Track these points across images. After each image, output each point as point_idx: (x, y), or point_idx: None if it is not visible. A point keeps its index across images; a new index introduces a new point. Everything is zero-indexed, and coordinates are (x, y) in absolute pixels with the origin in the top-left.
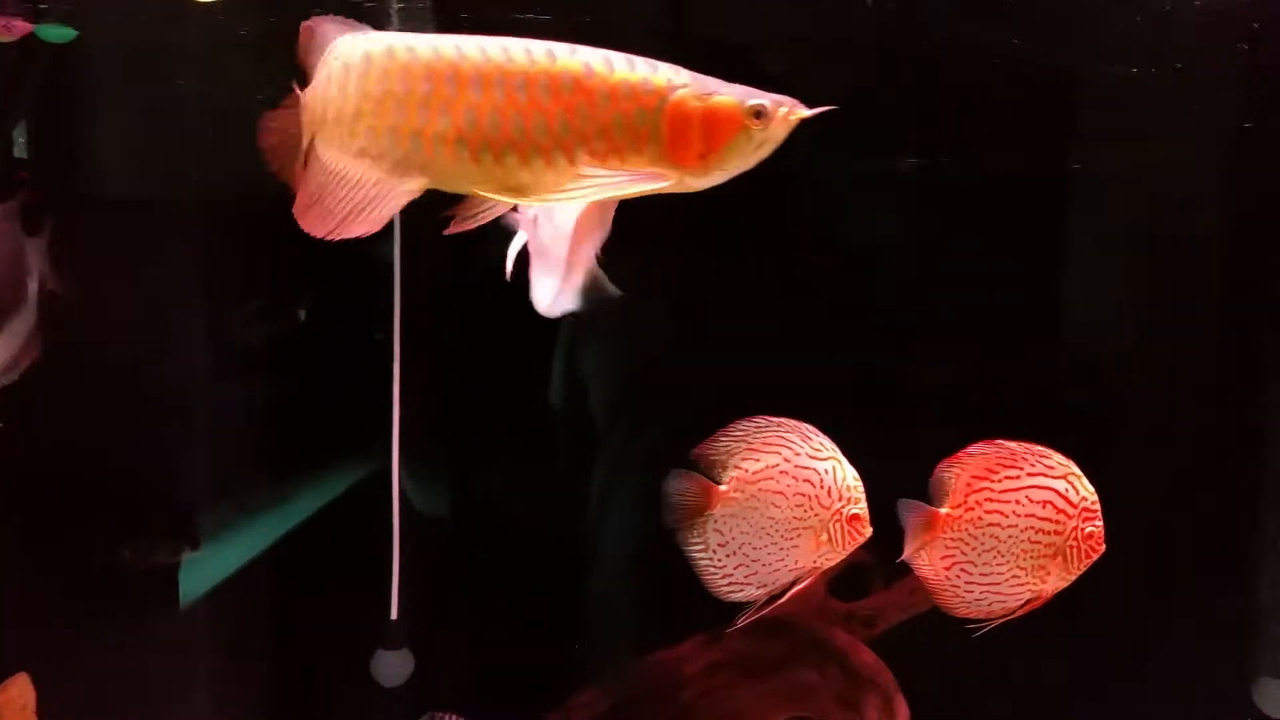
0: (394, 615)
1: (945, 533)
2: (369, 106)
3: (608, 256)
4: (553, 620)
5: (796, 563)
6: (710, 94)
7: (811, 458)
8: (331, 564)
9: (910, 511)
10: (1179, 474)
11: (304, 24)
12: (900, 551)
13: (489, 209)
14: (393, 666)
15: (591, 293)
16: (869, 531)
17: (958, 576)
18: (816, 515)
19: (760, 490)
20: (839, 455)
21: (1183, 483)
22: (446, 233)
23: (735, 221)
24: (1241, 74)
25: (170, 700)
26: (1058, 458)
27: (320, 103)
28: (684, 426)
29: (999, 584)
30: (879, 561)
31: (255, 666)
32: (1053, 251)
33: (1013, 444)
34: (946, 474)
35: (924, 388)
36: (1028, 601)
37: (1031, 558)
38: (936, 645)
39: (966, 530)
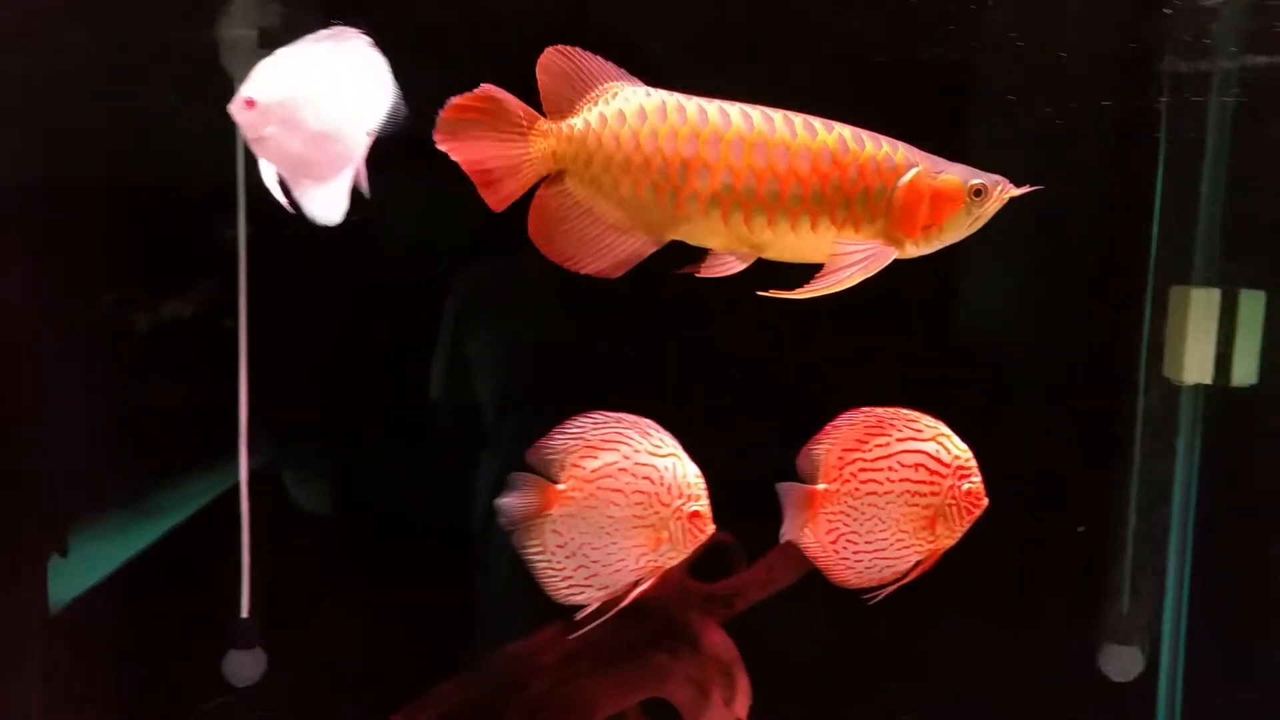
0: (244, 614)
1: (825, 508)
2: (639, 160)
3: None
4: (423, 616)
5: (637, 562)
6: (939, 172)
7: (651, 454)
8: (188, 562)
9: (788, 492)
10: (1029, 452)
11: (554, 49)
12: (765, 531)
13: (728, 264)
14: (244, 666)
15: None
16: (711, 529)
17: (845, 549)
18: (656, 513)
19: (599, 489)
20: (679, 452)
21: (1032, 460)
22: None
23: None
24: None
25: (23, 707)
26: (926, 420)
27: (583, 143)
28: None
29: (885, 550)
30: (738, 541)
31: (108, 667)
32: None
33: (879, 410)
34: (816, 450)
35: (801, 370)
36: (918, 563)
37: (913, 521)
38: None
39: (845, 503)
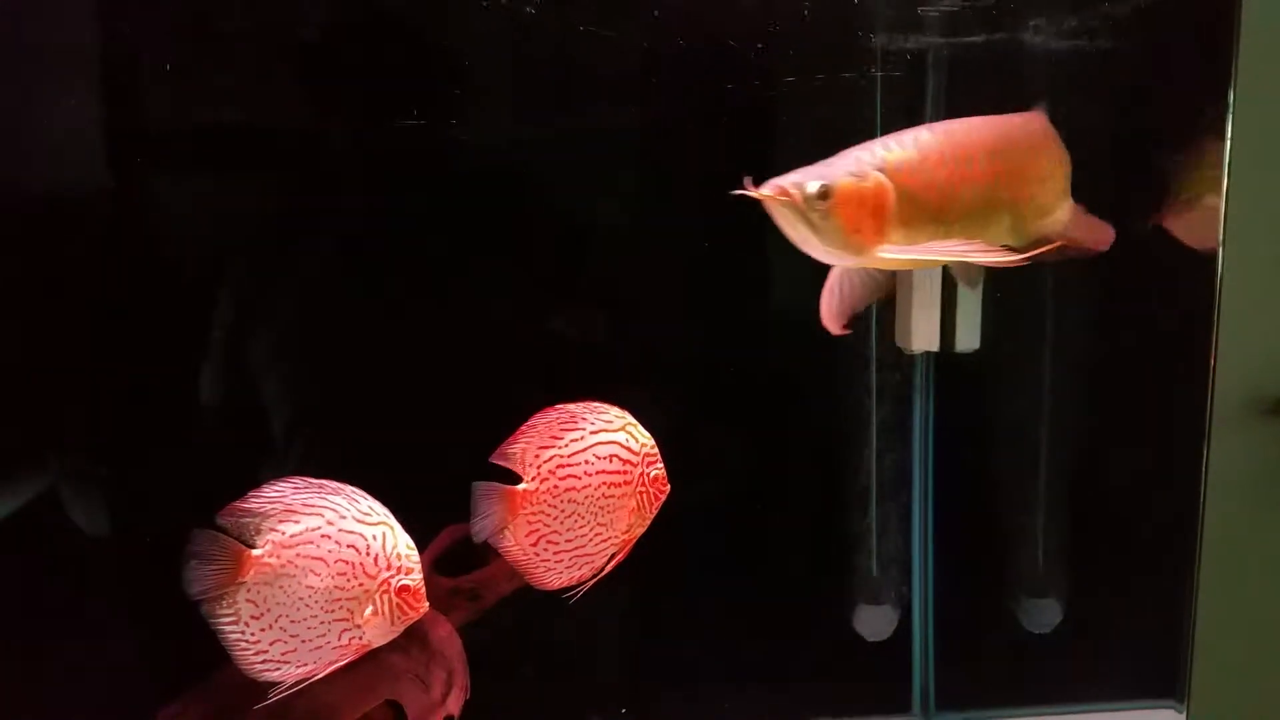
0: None
1: (525, 509)
2: None
3: None
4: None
5: (340, 639)
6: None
7: (358, 521)
8: None
9: (486, 493)
10: (781, 425)
11: None
12: None
13: None
14: None
15: None
16: (424, 607)
17: (545, 549)
18: (361, 585)
19: (298, 556)
20: (391, 520)
21: (786, 431)
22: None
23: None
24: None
25: None
26: (615, 411)
27: None
28: (370, 424)
29: (585, 546)
30: None
31: None
32: None
33: (571, 405)
34: (512, 449)
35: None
36: (612, 557)
37: (609, 512)
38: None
39: (546, 501)
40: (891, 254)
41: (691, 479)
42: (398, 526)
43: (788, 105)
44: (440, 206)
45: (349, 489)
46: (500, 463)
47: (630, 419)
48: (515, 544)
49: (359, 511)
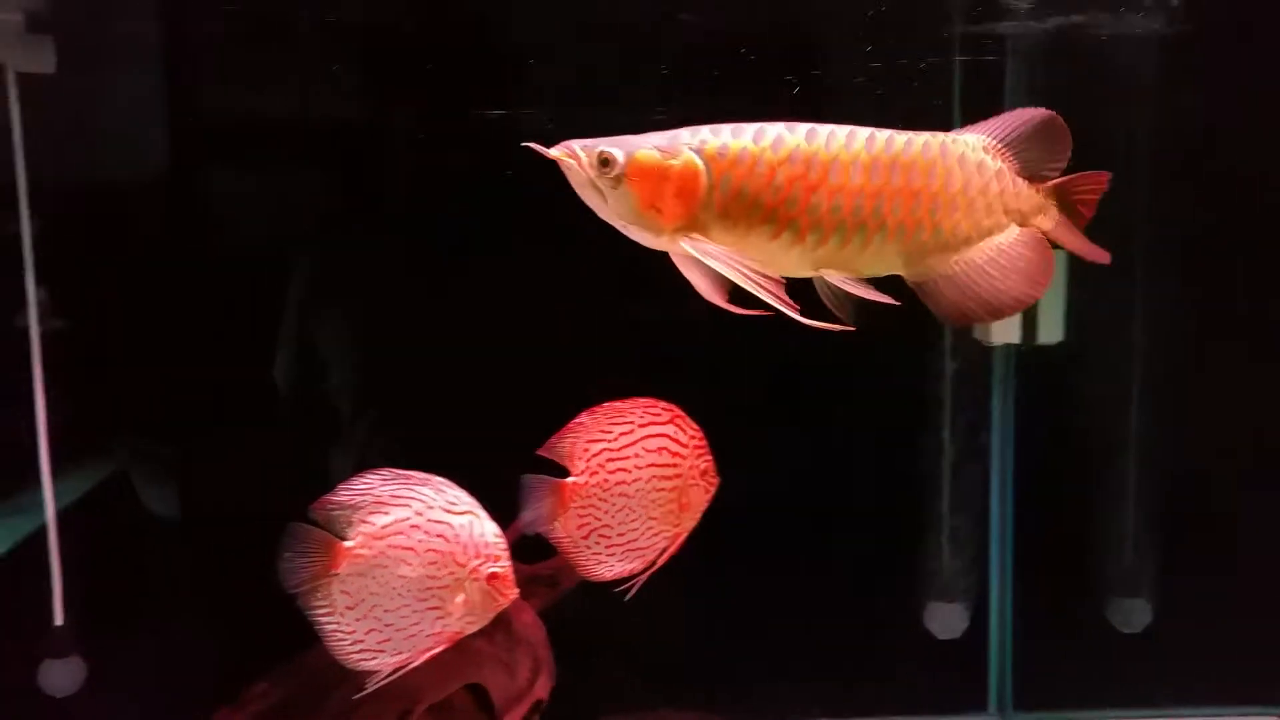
0: (58, 621)
1: (576, 502)
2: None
3: None
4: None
5: (433, 627)
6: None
7: (445, 511)
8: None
9: (536, 486)
10: (852, 422)
11: None
12: None
13: None
14: (59, 676)
15: None
16: (514, 593)
17: (597, 542)
18: (451, 573)
19: (389, 547)
20: (477, 509)
21: (857, 427)
22: None
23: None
24: None
25: None
26: (662, 404)
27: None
28: (430, 412)
29: (637, 539)
30: None
31: None
32: None
33: (618, 401)
34: (561, 444)
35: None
36: (664, 550)
37: (659, 505)
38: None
39: (596, 494)
40: (689, 246)
41: (763, 474)
42: (484, 515)
43: (865, 91)
44: (515, 201)
45: (436, 479)
46: (549, 456)
47: (679, 412)
48: (567, 536)
49: (446, 501)
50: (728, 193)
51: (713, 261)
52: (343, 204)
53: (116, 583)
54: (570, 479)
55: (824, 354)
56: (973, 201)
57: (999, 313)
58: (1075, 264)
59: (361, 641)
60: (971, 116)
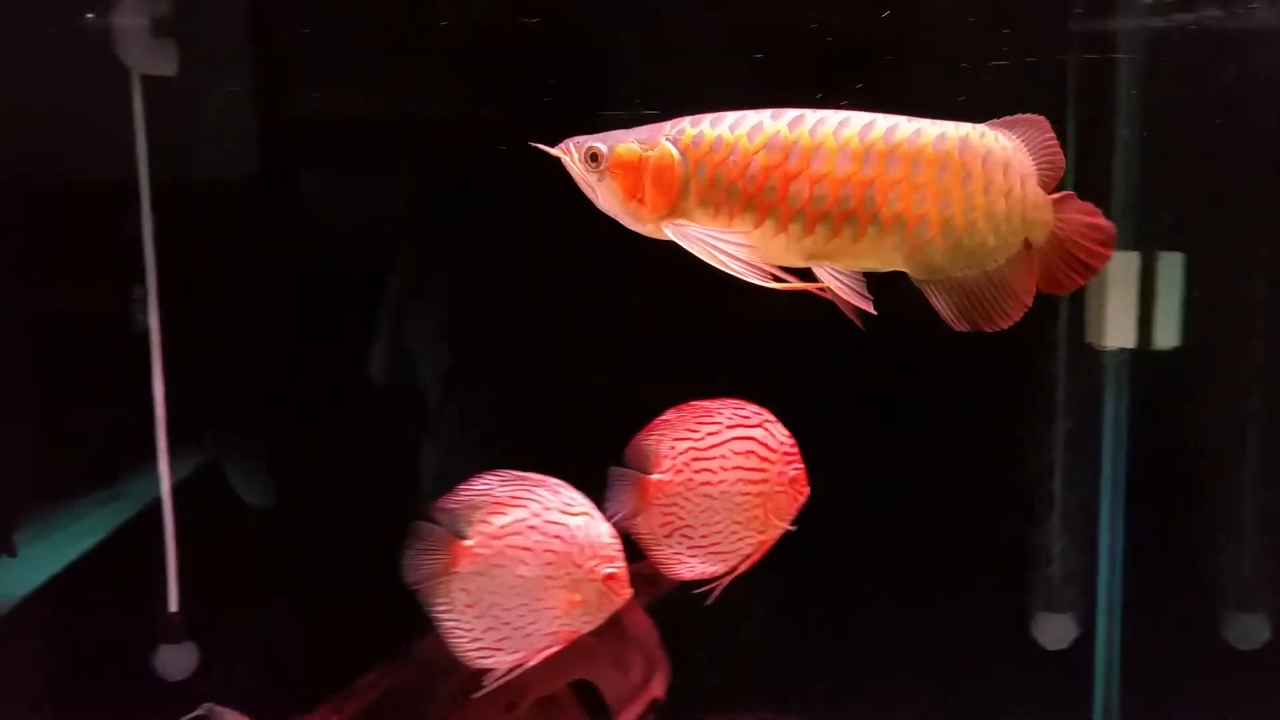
0: (173, 608)
1: (659, 499)
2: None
3: None
4: (363, 605)
5: (550, 625)
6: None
7: (561, 512)
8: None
9: (620, 479)
10: (959, 426)
11: None
12: None
13: None
14: (174, 661)
15: None
16: (628, 593)
17: (680, 542)
18: (568, 574)
19: (507, 546)
20: (592, 510)
21: (964, 431)
22: None
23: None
24: None
25: None
26: (751, 407)
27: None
28: (519, 404)
29: (720, 543)
30: None
31: (40, 664)
32: None
33: (706, 401)
34: (647, 442)
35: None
36: (747, 556)
37: (744, 510)
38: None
39: (680, 494)
40: (670, 231)
41: (870, 479)
42: (599, 516)
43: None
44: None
45: (552, 481)
46: (635, 452)
47: (769, 416)
48: (649, 533)
49: (562, 502)
50: (704, 181)
51: (689, 244)
52: (438, 202)
53: (213, 570)
54: (654, 476)
55: (933, 357)
56: (993, 204)
57: (995, 325)
58: (1193, 266)
59: (480, 639)
60: (1082, 115)
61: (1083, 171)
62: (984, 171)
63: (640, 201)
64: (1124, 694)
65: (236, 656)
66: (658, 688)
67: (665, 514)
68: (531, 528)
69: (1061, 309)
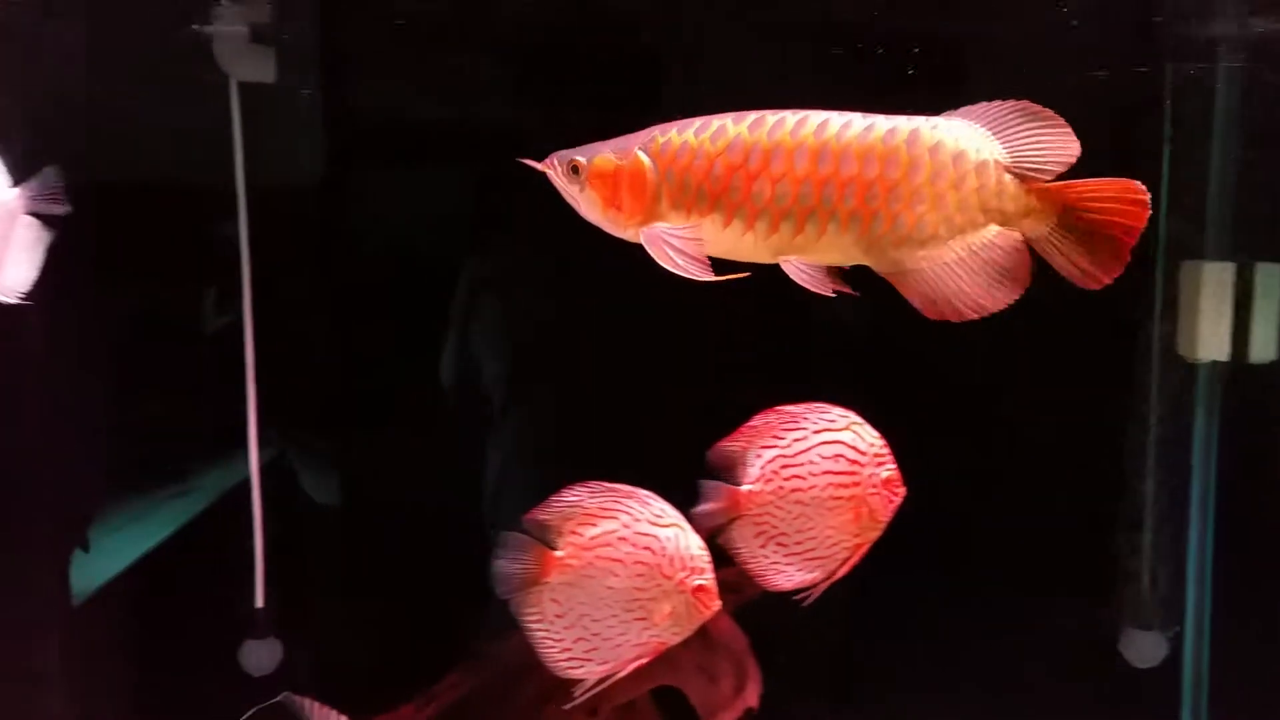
0: (259, 604)
1: (750, 509)
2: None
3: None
4: (432, 605)
5: (639, 637)
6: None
7: (651, 524)
8: (211, 555)
9: (709, 491)
10: (1046, 438)
11: None
12: None
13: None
14: (259, 656)
15: None
16: (717, 605)
17: (775, 551)
18: (658, 585)
19: (597, 557)
20: (682, 522)
21: (1051, 447)
22: None
23: None
24: None
25: (39, 700)
26: (837, 410)
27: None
28: (582, 407)
29: (815, 549)
30: None
31: (124, 659)
32: None
33: (790, 406)
34: (733, 450)
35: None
36: (844, 560)
37: (838, 514)
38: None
39: (771, 502)
40: (641, 235)
41: (956, 489)
42: (688, 527)
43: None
44: None
45: (641, 493)
46: (719, 460)
47: (856, 419)
48: (743, 544)
49: (652, 514)
50: (675, 185)
51: (651, 249)
52: (508, 203)
53: (285, 567)
54: (745, 486)
55: (1023, 366)
56: (942, 195)
57: (962, 314)
58: None
59: (570, 650)
60: (1180, 122)
61: (1178, 180)
62: (932, 163)
63: (619, 209)
64: (1212, 714)
65: (319, 654)
66: (751, 697)
67: (758, 524)
68: (622, 539)
69: (1153, 319)
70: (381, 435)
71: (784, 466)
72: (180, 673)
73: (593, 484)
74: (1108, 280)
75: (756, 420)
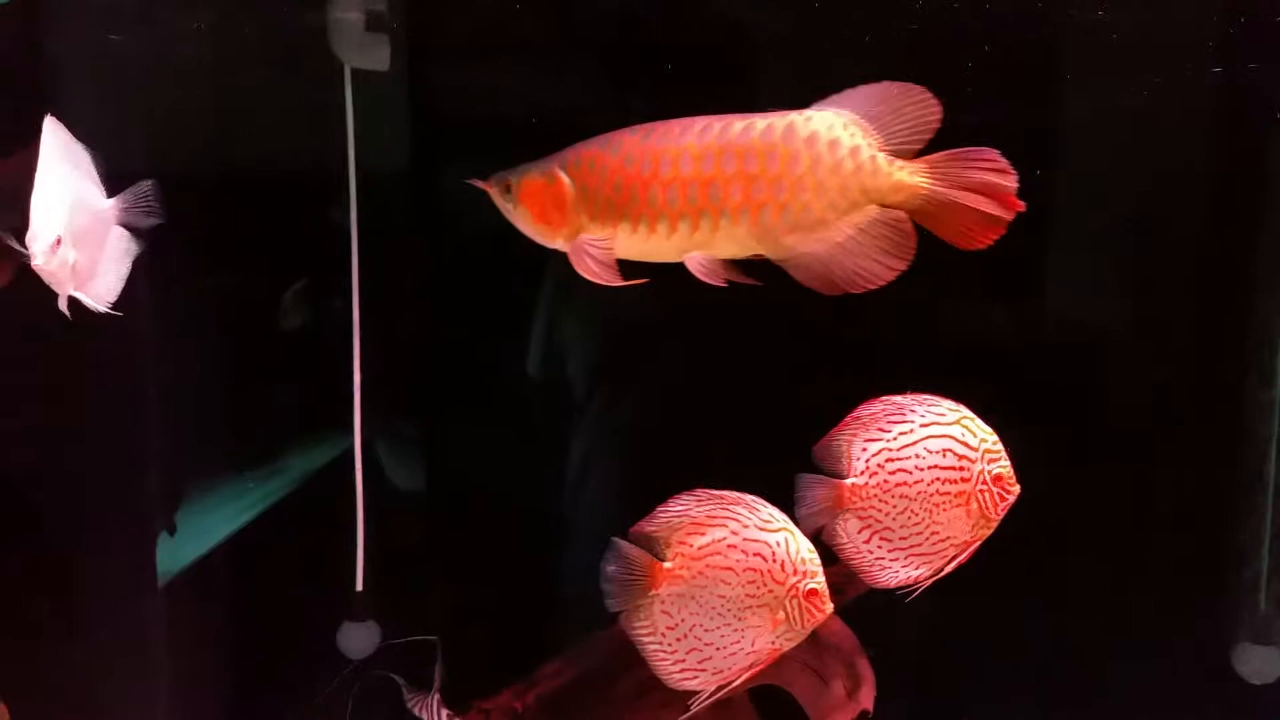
0: (359, 587)
1: (855, 504)
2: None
3: None
4: (525, 592)
5: (753, 645)
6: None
7: (760, 529)
8: (299, 538)
9: (812, 485)
10: (1162, 448)
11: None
12: None
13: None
14: (358, 639)
15: None
16: (829, 608)
17: (879, 546)
18: (771, 592)
19: (708, 567)
20: (791, 526)
21: (1165, 455)
22: None
23: None
24: None
25: (137, 680)
26: (947, 404)
27: None
28: (665, 398)
29: (921, 545)
30: None
31: (222, 641)
32: None
33: (898, 397)
34: (837, 442)
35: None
36: (953, 557)
37: (945, 510)
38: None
39: (875, 496)
40: (562, 244)
41: (1067, 497)
42: (797, 531)
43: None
44: None
45: (748, 498)
46: (824, 454)
47: (966, 413)
48: (848, 539)
49: (760, 520)
50: (587, 197)
51: (574, 258)
52: None
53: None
54: (849, 480)
55: (1140, 376)
56: (823, 182)
57: (859, 288)
58: None
59: (683, 661)
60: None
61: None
62: (810, 153)
63: (548, 223)
64: None
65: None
66: (866, 699)
67: (862, 519)
68: (731, 546)
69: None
70: (468, 424)
71: (889, 459)
72: (276, 656)
73: (698, 491)
74: (985, 244)
75: (862, 411)
